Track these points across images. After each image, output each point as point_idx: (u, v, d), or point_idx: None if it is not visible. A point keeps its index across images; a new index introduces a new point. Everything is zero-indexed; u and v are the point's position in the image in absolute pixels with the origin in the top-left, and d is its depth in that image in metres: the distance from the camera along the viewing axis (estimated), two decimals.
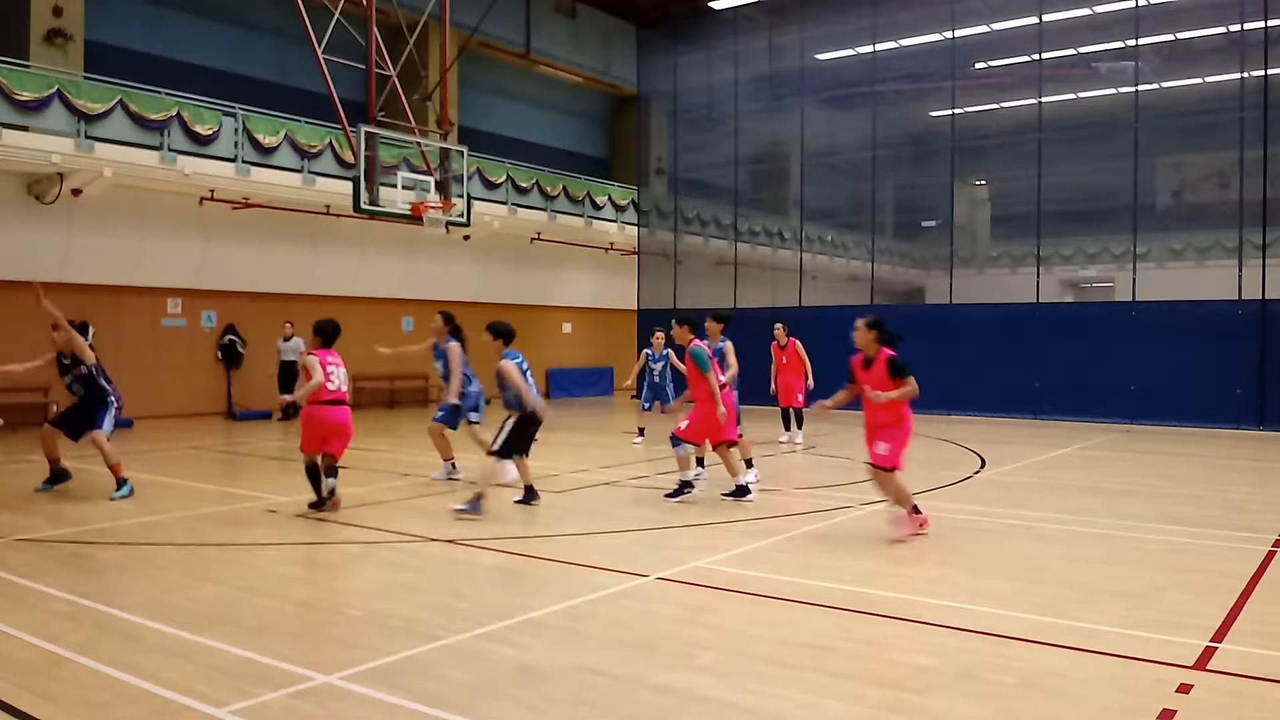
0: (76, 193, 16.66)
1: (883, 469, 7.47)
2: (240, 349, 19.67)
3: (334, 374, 8.56)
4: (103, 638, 5.00)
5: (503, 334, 9.14)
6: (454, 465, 10.76)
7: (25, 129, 15.33)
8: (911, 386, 7.43)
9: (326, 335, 8.92)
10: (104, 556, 7.07)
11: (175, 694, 4.18)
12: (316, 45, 14.86)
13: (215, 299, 19.53)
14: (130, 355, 17.95)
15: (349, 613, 5.55)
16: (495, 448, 8.70)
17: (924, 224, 25.39)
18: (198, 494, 9.84)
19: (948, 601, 5.71)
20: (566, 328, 27.65)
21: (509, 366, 8.76)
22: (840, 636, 5.07)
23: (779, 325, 14.79)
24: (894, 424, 7.58)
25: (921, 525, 7.55)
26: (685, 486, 9.27)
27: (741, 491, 9.19)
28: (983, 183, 28.07)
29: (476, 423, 10.64)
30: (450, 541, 7.36)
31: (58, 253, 16.98)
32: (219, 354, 19.54)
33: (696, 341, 9.29)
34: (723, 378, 9.46)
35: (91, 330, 17.36)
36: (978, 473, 11.60)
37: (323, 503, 8.57)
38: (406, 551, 7.13)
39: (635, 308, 25.21)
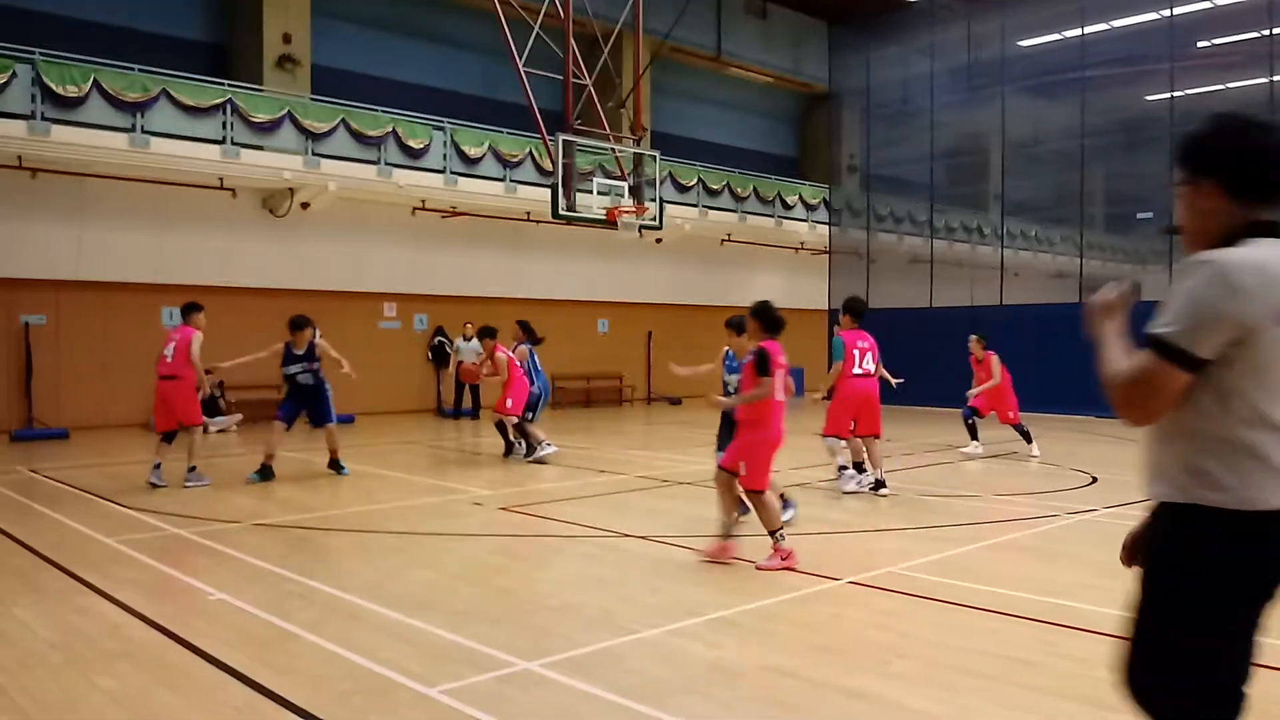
0: (305, 206, 18.10)
1: (725, 469, 6.72)
2: (449, 350, 20.77)
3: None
4: (327, 617, 5.44)
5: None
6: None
7: (260, 148, 16.77)
8: (764, 388, 6.51)
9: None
10: (329, 541, 7.66)
11: (391, 672, 4.50)
12: (517, 59, 15.50)
13: (426, 303, 20.70)
14: (351, 356, 19.06)
15: (548, 603, 5.79)
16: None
17: (1139, 216, 23.74)
18: (411, 486, 10.49)
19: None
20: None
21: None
22: (1042, 651, 4.86)
23: (974, 337, 13.50)
24: (750, 427, 6.69)
25: (786, 559, 6.50)
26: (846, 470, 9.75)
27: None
28: None
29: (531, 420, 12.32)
30: (644, 538, 7.54)
31: (290, 262, 18.49)
32: (429, 354, 20.69)
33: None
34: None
35: (319, 334, 18.83)
36: None
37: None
38: (603, 546, 7.35)
39: (826, 308, 24.86)
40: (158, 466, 10.00)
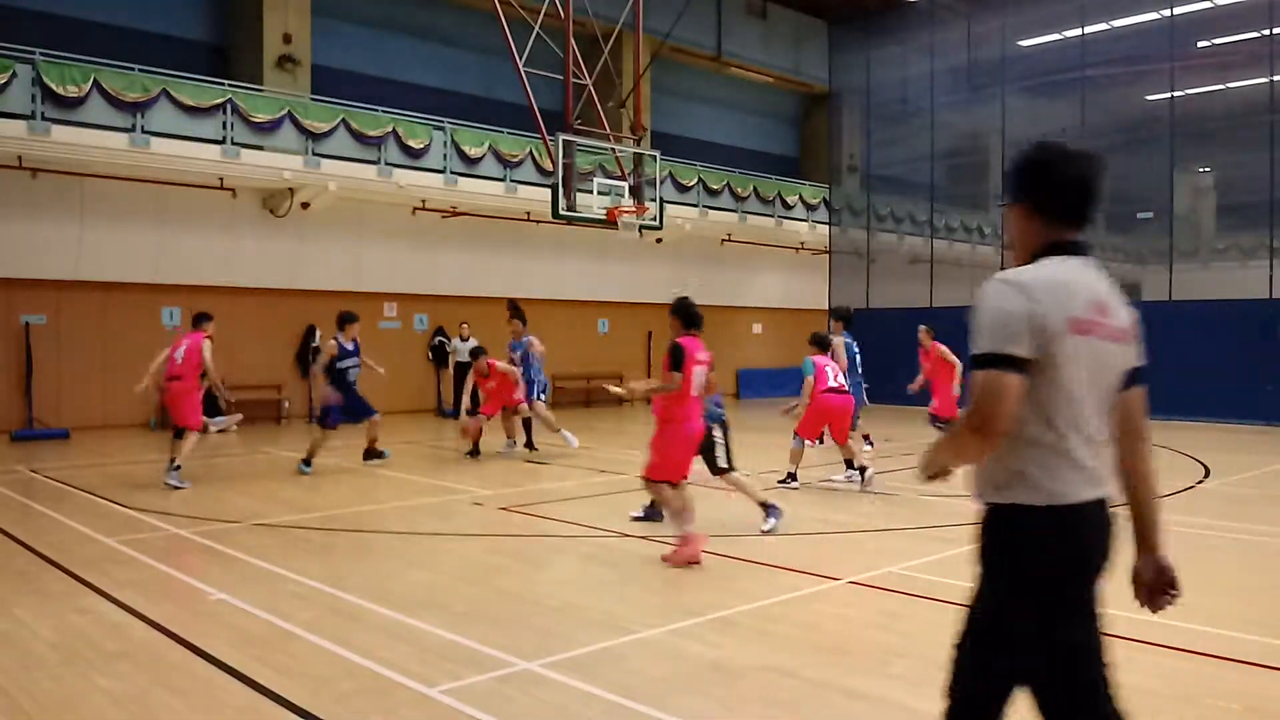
0: (305, 206, 18.10)
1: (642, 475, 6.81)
2: (448, 350, 20.76)
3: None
4: (327, 617, 5.44)
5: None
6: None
7: (260, 148, 16.77)
8: (673, 382, 6.58)
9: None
10: (329, 541, 7.66)
11: (391, 672, 4.50)
12: (518, 59, 15.49)
13: (426, 302, 20.69)
14: None
15: (548, 603, 5.79)
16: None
17: (1139, 216, 23.73)
18: (412, 486, 10.49)
19: (1166, 620, 5.33)
20: (756, 328, 27.57)
21: None
22: None
23: (923, 327, 13.56)
24: (663, 422, 6.75)
25: (690, 559, 6.56)
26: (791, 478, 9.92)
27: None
28: (1207, 170, 25.97)
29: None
30: (644, 538, 7.54)
31: (290, 262, 18.49)
32: (429, 354, 20.69)
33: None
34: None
35: (320, 333, 18.87)
36: (1201, 483, 10.77)
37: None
38: (603, 546, 7.35)
39: (826, 307, 24.86)
40: (177, 466, 10.09)
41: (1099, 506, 2.54)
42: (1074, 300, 2.41)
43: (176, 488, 9.88)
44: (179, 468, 10.07)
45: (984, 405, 2.36)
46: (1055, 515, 2.44)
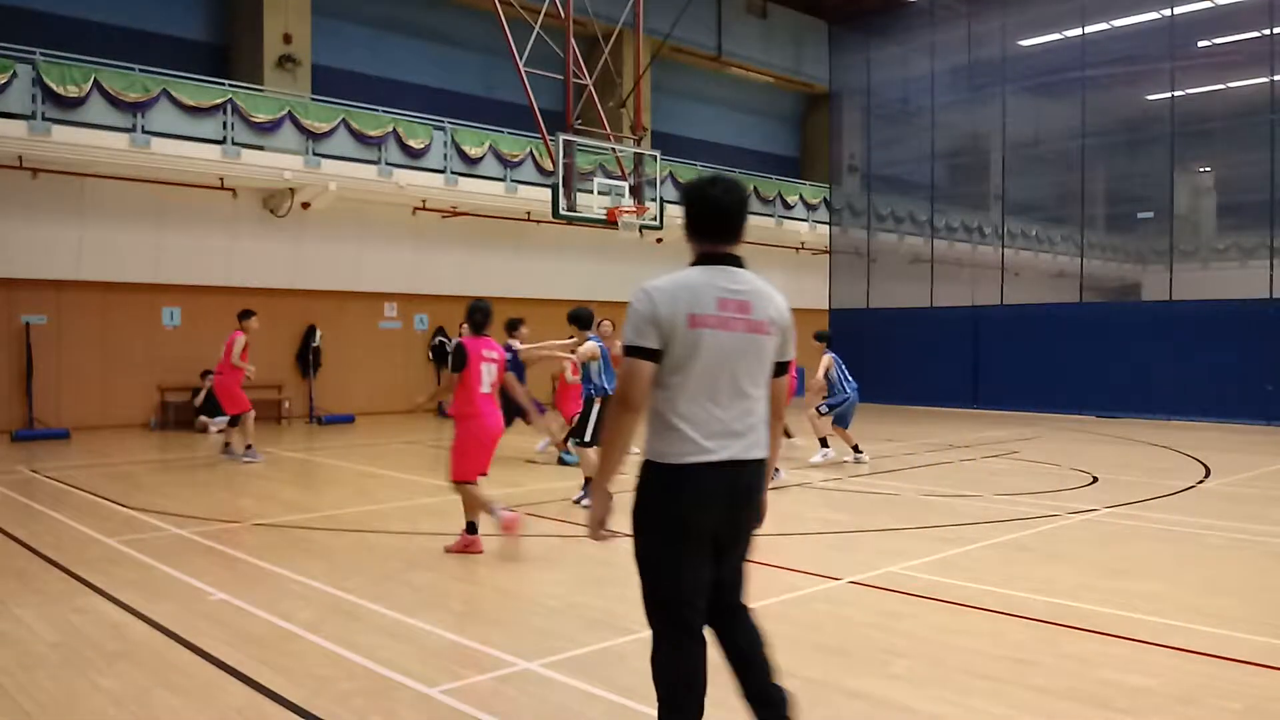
0: (306, 206, 18.10)
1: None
2: (449, 350, 20.76)
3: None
4: (327, 617, 5.43)
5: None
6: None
7: (261, 148, 16.76)
8: (449, 381, 7.04)
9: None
10: (329, 541, 7.66)
11: (391, 672, 4.50)
12: (518, 59, 15.49)
13: (426, 302, 20.69)
14: (352, 356, 19.35)
15: (548, 603, 5.79)
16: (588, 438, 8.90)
17: (1139, 216, 23.73)
18: (412, 486, 10.49)
19: (1166, 619, 5.36)
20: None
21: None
22: (1045, 651, 4.86)
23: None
24: (458, 421, 7.09)
25: (468, 546, 7.05)
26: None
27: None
28: (1207, 170, 25.98)
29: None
30: None
31: (290, 262, 18.49)
32: (430, 354, 20.70)
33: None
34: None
35: (320, 334, 18.88)
36: (1201, 482, 10.78)
37: None
38: (603, 546, 7.33)
39: (827, 307, 24.87)
40: (248, 447, 12.01)
41: (712, 468, 3.08)
42: (697, 300, 3.09)
43: (251, 462, 11.77)
44: (250, 447, 12.00)
45: (624, 385, 3.08)
46: (671, 472, 3.08)
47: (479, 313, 7.29)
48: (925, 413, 20.53)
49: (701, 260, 3.23)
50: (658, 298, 3.08)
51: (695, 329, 3.05)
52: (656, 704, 3.23)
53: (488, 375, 7.09)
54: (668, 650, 3.18)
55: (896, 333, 22.98)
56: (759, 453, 3.19)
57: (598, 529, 3.29)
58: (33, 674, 4.51)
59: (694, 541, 3.11)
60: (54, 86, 14.54)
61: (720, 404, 3.09)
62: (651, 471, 3.13)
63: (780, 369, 3.33)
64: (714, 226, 3.23)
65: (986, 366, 21.02)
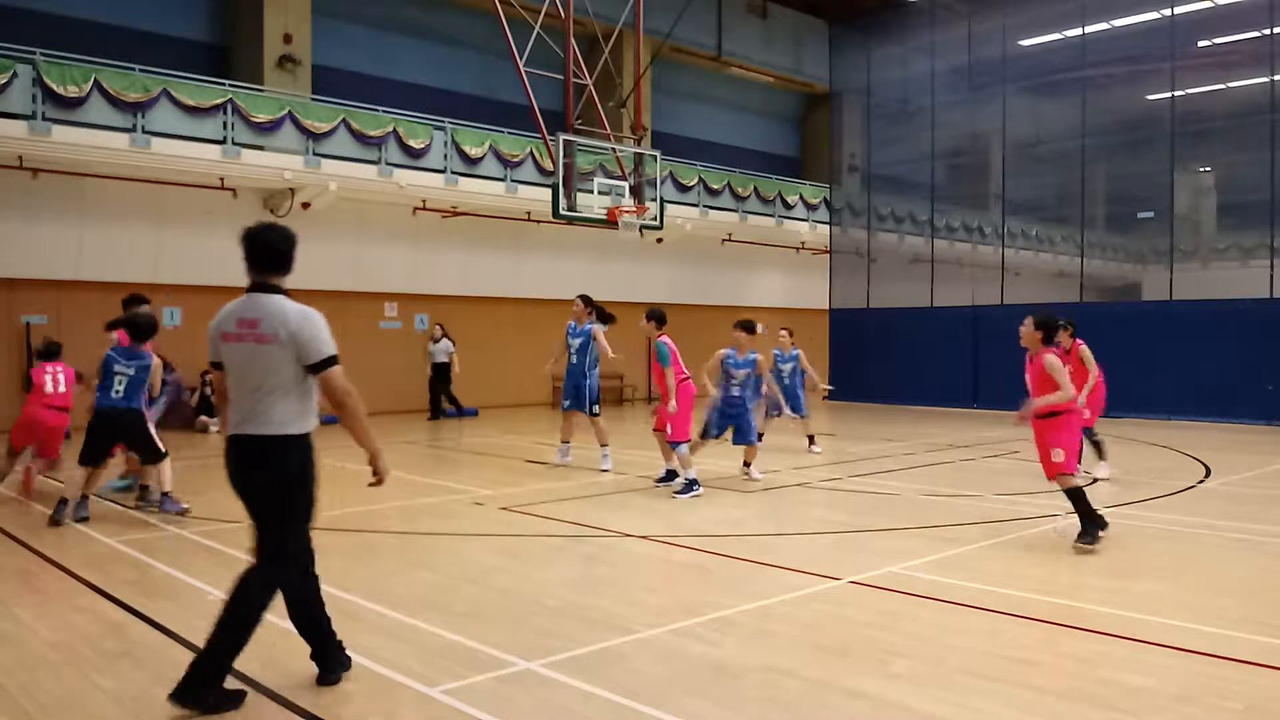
0: (306, 206, 18.09)
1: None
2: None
3: None
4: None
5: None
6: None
7: (261, 148, 16.76)
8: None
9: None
10: (330, 542, 7.64)
11: (392, 672, 4.51)
12: (518, 59, 15.49)
13: (427, 302, 20.68)
14: (353, 356, 19.20)
15: (549, 603, 5.79)
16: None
17: (1140, 216, 23.72)
18: (413, 486, 10.48)
19: (1165, 619, 5.36)
20: (758, 328, 27.56)
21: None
22: (1045, 651, 4.86)
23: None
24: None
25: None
26: (694, 484, 9.60)
27: (669, 477, 10.05)
28: (1207, 170, 25.97)
29: (597, 415, 12.01)
30: (645, 537, 7.54)
31: None
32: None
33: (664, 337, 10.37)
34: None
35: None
36: (1201, 482, 10.78)
37: None
38: (603, 546, 7.35)
39: (827, 307, 24.88)
40: None
41: (232, 443, 4.20)
42: (228, 320, 4.15)
43: None
44: None
45: (215, 387, 4.42)
46: (228, 443, 4.24)
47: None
48: (925, 413, 20.52)
49: (249, 289, 4.23)
50: (215, 320, 4.24)
51: (226, 343, 4.20)
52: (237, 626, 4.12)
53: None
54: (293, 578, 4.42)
55: (897, 333, 22.98)
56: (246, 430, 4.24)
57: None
58: (33, 674, 4.51)
59: (242, 499, 4.37)
60: (54, 86, 14.55)
61: (242, 399, 4.24)
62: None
63: (316, 368, 4.14)
64: (251, 262, 4.21)
65: (986, 366, 20.99)
